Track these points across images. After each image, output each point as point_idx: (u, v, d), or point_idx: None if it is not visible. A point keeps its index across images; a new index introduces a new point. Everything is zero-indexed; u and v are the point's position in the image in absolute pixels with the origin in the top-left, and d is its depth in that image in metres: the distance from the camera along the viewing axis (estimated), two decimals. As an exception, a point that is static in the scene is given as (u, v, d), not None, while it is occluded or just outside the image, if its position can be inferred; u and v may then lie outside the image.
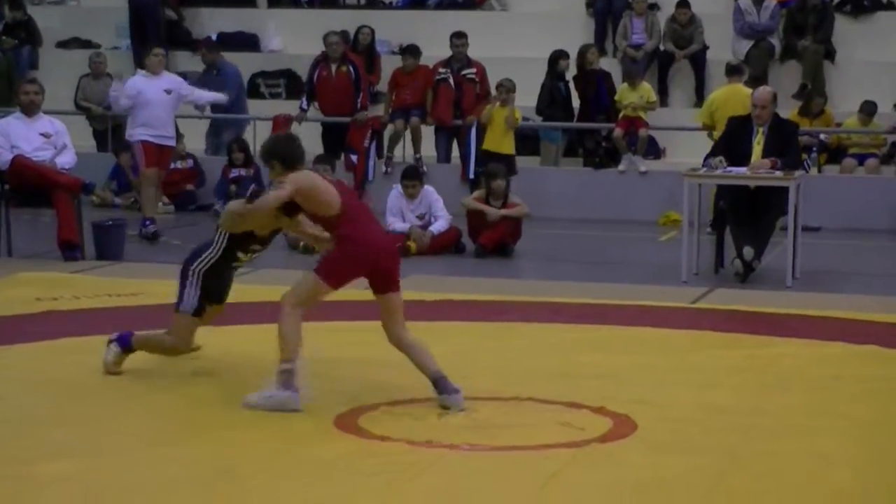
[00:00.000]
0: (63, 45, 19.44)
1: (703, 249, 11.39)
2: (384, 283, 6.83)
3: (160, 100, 12.93)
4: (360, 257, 6.70)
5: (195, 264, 7.05)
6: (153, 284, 9.83)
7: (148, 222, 13.05)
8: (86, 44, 19.32)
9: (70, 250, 11.33)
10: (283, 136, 7.25)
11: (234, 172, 15.54)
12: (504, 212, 12.46)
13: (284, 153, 6.76)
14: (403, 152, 16.07)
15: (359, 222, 6.71)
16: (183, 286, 7.05)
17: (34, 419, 6.27)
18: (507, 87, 14.41)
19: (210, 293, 7.14)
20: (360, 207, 6.88)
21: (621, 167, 15.81)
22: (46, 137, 11.57)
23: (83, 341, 7.94)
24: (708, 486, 5.40)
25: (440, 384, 6.58)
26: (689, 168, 11.49)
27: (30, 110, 11.65)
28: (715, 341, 8.45)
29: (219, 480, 5.37)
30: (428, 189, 12.80)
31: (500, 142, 14.46)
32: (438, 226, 12.53)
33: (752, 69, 16.35)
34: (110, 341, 7.14)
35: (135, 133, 13.03)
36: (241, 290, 10.24)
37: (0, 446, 5.79)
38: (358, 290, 9.98)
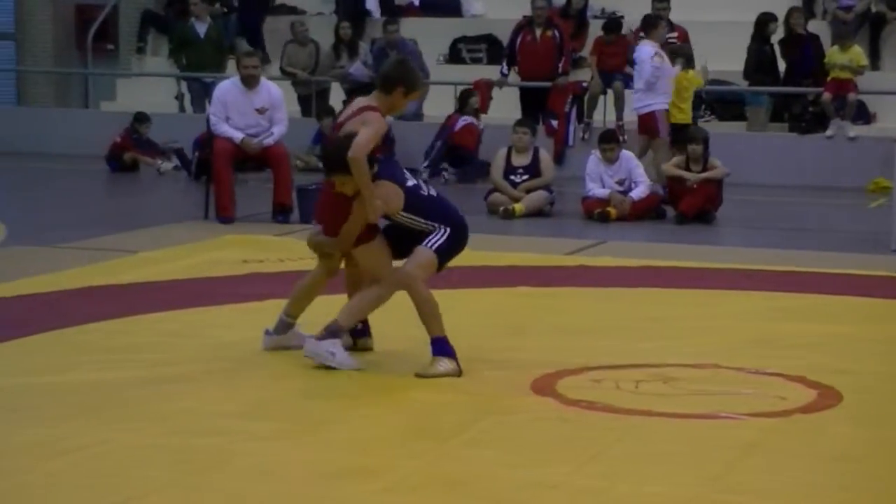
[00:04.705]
0: (271, 11, 19.80)
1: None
2: None
3: None
4: None
5: None
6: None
7: (666, 188, 12.94)
8: (292, 10, 19.65)
9: (283, 214, 11.58)
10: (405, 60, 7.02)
11: (462, 121, 15.54)
12: (703, 175, 12.27)
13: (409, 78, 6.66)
14: (604, 117, 15.96)
15: None
16: None
17: (240, 377, 6.42)
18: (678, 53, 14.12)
19: None
20: None
21: (829, 132, 15.41)
22: (261, 113, 11.72)
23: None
24: (915, 460, 5.25)
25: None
26: (901, 133, 11.14)
27: (249, 84, 11.78)
28: (925, 312, 8.20)
29: (417, 440, 5.43)
30: (627, 154, 12.69)
31: (677, 112, 13.92)
32: (638, 191, 12.41)
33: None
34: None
35: (656, 101, 13.35)
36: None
37: (204, 403, 5.95)
38: (545, 256, 10.05)
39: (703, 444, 5.41)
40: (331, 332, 6.48)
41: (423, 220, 6.50)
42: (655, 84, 13.34)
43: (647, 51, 13.40)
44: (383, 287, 6.55)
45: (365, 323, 6.88)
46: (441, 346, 6.44)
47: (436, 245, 6.47)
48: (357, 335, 6.88)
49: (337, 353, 6.46)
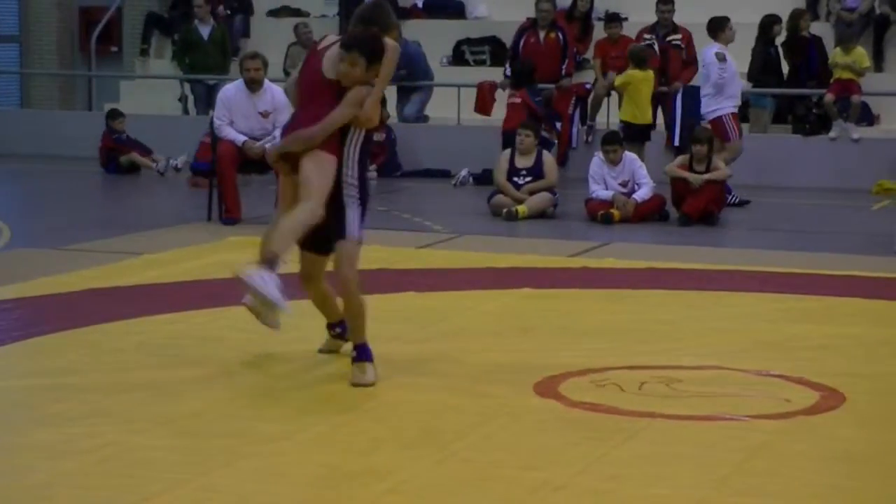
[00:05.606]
0: (274, 13, 19.83)
1: (917, 219, 11.07)
2: None
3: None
4: None
5: None
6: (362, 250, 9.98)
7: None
8: (295, 12, 19.65)
9: None
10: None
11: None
12: (706, 176, 12.29)
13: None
14: (607, 119, 15.97)
15: None
16: None
17: (247, 378, 6.44)
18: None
19: None
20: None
21: (832, 134, 15.43)
22: (265, 117, 11.73)
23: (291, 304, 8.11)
24: (919, 462, 5.26)
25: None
26: (905, 135, 11.16)
27: (252, 87, 11.77)
28: (929, 313, 8.21)
29: (423, 442, 5.45)
30: (630, 156, 12.71)
31: (636, 111, 14.51)
32: (642, 193, 12.42)
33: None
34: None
35: (723, 106, 13.34)
36: (446, 255, 10.38)
37: (211, 404, 5.97)
38: (549, 258, 10.07)
39: (708, 447, 5.43)
40: (267, 261, 6.22)
41: (354, 176, 6.34)
42: (723, 87, 13.30)
43: (710, 53, 13.39)
44: (305, 205, 6.26)
45: (342, 325, 6.76)
46: (364, 352, 6.35)
47: (352, 232, 6.36)
48: (342, 336, 6.81)
49: (269, 282, 6.11)
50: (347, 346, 6.63)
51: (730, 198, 13.17)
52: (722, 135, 13.36)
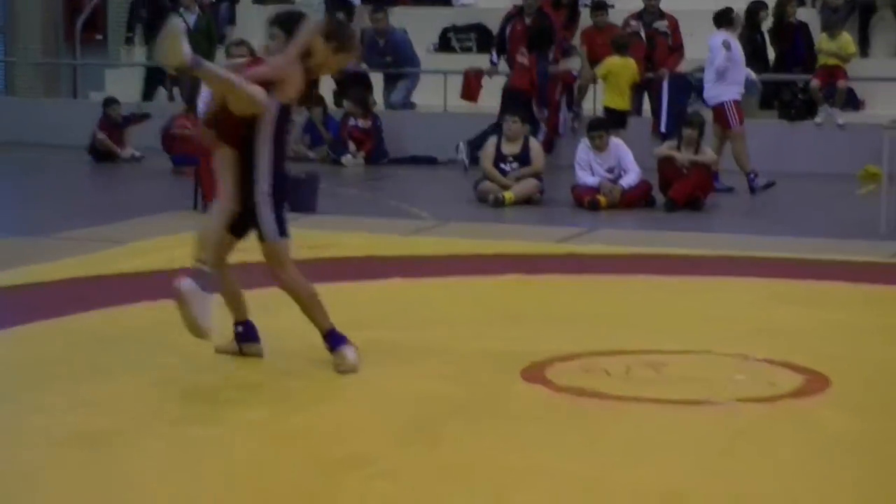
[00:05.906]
0: (260, 1, 19.76)
1: (902, 204, 11.08)
2: None
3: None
4: None
5: None
6: (346, 237, 10.00)
7: (752, 175, 13.38)
8: (281, -1, 19.61)
9: None
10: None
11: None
12: (694, 157, 12.31)
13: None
14: (593, 106, 15.98)
15: None
16: None
17: (233, 366, 6.43)
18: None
19: None
20: None
21: (818, 119, 15.46)
22: None
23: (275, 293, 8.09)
24: (904, 446, 5.27)
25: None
26: (891, 120, 11.16)
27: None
28: (914, 298, 8.23)
29: (410, 429, 5.44)
30: (616, 142, 12.71)
31: (618, 98, 14.90)
32: (628, 179, 12.43)
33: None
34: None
35: (726, 92, 13.33)
36: (433, 243, 10.38)
37: (200, 391, 5.96)
38: (535, 244, 10.08)
39: (695, 431, 5.44)
40: (199, 274, 6.18)
41: (266, 168, 6.23)
42: (725, 74, 13.32)
43: (717, 40, 13.40)
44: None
45: (251, 328, 6.58)
46: (336, 339, 6.30)
47: (272, 233, 6.24)
48: (244, 339, 6.57)
49: (205, 308, 6.09)
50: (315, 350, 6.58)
51: (756, 182, 13.30)
52: (724, 122, 13.37)
